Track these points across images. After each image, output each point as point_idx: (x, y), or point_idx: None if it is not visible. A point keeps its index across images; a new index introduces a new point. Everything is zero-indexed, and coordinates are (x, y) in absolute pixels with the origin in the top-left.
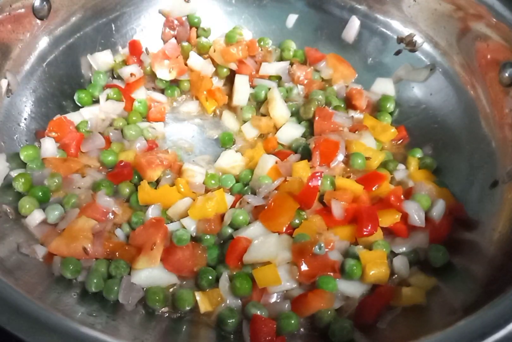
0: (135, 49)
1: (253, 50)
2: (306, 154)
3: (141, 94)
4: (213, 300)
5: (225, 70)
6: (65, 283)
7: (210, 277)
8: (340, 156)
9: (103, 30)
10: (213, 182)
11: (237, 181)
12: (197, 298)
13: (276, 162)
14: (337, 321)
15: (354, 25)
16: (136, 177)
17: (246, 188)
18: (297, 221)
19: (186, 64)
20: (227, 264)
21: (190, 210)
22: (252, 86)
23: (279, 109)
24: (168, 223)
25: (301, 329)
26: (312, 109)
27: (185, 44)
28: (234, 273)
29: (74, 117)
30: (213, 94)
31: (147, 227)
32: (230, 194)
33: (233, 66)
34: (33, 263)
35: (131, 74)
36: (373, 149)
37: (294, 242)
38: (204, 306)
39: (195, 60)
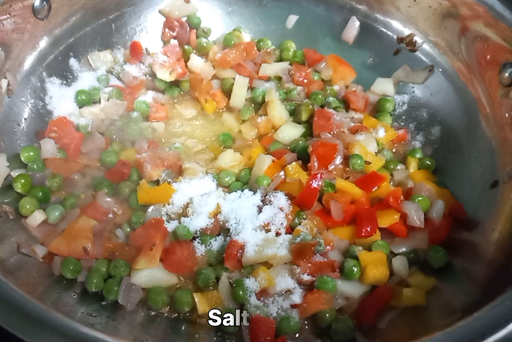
0: (136, 50)
1: (251, 55)
2: (303, 155)
3: (142, 94)
4: (212, 302)
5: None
6: (65, 283)
7: (207, 278)
8: (338, 159)
9: (103, 30)
10: None
11: (237, 180)
12: (196, 299)
13: (273, 161)
14: (339, 320)
15: (354, 25)
16: (136, 176)
17: (244, 186)
18: (296, 221)
19: (187, 66)
20: (226, 266)
21: None
22: (251, 88)
23: (277, 111)
24: (169, 222)
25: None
26: (303, 113)
27: (187, 47)
28: (236, 276)
29: (74, 117)
30: (212, 96)
31: (146, 227)
32: (229, 192)
33: (234, 74)
34: (33, 263)
35: (133, 77)
36: (373, 154)
37: (294, 242)
38: (202, 307)
39: (196, 63)
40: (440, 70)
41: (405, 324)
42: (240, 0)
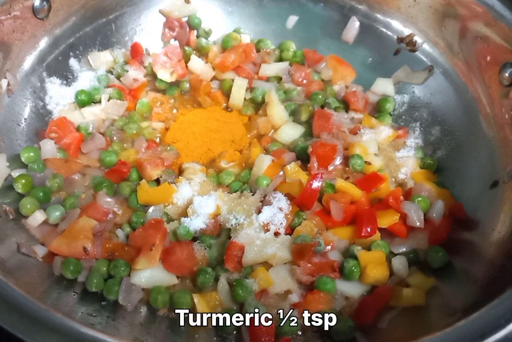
0: (137, 52)
1: (249, 57)
2: (303, 155)
3: (142, 94)
4: (211, 302)
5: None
6: (65, 283)
7: (206, 279)
8: (338, 160)
9: (103, 30)
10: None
11: (237, 180)
12: (195, 300)
13: (273, 161)
14: (340, 320)
15: (354, 25)
16: (136, 176)
17: (244, 185)
18: (296, 221)
19: (187, 67)
20: (226, 268)
21: None
22: (250, 88)
23: (277, 111)
24: (168, 223)
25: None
26: (303, 114)
27: (187, 48)
28: (234, 277)
29: (75, 117)
30: (212, 97)
31: (146, 228)
32: (229, 192)
33: (233, 76)
34: (34, 263)
35: (134, 80)
36: (372, 154)
37: (294, 242)
38: (201, 308)
39: (196, 64)
40: (440, 70)
41: (405, 324)
42: (240, 0)
